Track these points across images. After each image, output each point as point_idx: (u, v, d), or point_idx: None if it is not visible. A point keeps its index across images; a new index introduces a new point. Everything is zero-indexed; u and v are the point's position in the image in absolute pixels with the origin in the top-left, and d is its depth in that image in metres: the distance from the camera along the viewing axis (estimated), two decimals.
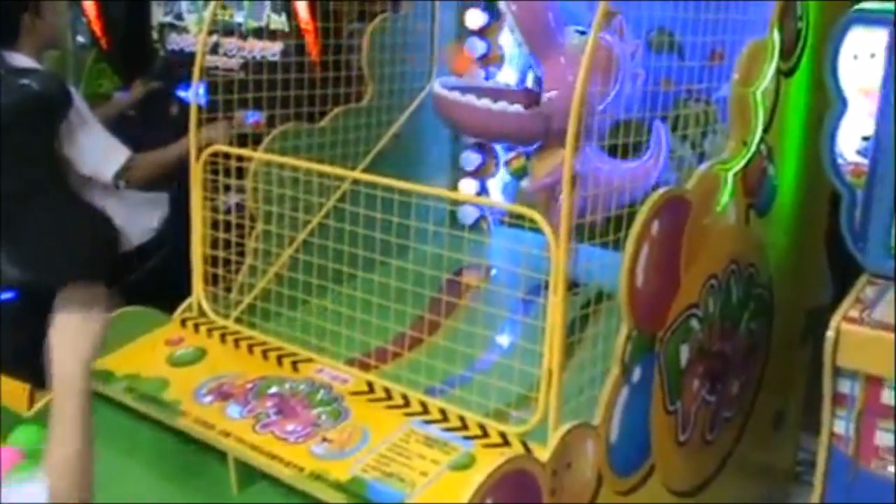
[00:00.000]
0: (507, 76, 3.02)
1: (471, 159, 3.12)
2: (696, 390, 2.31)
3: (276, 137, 2.61)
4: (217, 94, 2.58)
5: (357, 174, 2.48)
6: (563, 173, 1.86)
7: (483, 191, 3.16)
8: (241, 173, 2.50)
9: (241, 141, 2.60)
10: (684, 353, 2.22)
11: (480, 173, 3.15)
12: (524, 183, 2.66)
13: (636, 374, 2.06)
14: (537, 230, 1.91)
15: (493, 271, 2.78)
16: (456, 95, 2.45)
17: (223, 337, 2.39)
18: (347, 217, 2.29)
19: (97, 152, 2.97)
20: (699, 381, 2.32)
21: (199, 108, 3.14)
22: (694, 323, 2.23)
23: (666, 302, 2.12)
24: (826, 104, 2.32)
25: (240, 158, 2.45)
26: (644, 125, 2.44)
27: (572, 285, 2.14)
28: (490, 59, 3.06)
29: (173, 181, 2.97)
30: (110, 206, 3.13)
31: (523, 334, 2.14)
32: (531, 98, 2.48)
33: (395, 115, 2.93)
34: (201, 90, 3.49)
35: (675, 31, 2.40)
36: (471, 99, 2.42)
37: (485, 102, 2.40)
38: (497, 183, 3.13)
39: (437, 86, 2.54)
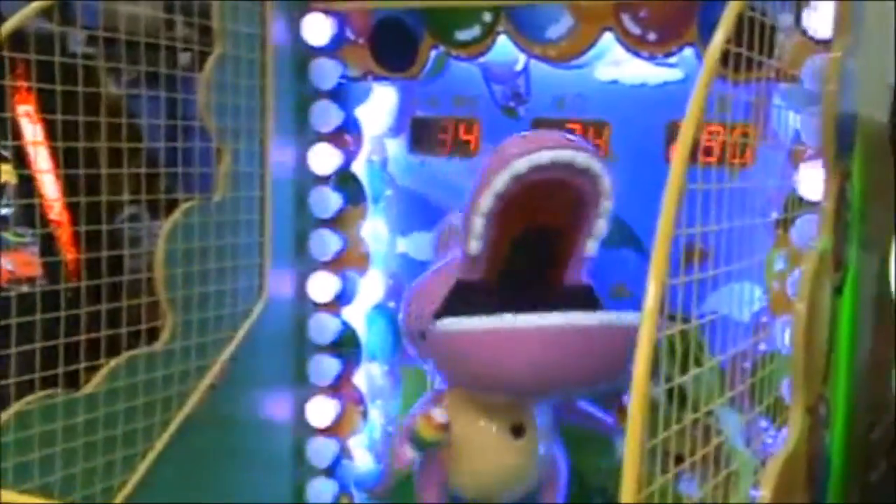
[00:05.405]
0: (373, 282, 2.07)
1: (322, 408, 2.09)
2: None
3: (9, 426, 1.43)
4: None
5: None
6: None
7: (344, 454, 2.11)
8: None
9: None
10: None
11: (335, 430, 2.10)
12: None
13: None
14: None
15: None
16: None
17: None
18: None
19: None
20: None
21: None
22: None
23: None
24: None
25: None
26: None
27: None
28: (347, 260, 2.07)
29: None
30: None
31: None
32: None
33: (210, 356, 1.84)
34: None
35: None
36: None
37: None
38: (363, 441, 2.11)
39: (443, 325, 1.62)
